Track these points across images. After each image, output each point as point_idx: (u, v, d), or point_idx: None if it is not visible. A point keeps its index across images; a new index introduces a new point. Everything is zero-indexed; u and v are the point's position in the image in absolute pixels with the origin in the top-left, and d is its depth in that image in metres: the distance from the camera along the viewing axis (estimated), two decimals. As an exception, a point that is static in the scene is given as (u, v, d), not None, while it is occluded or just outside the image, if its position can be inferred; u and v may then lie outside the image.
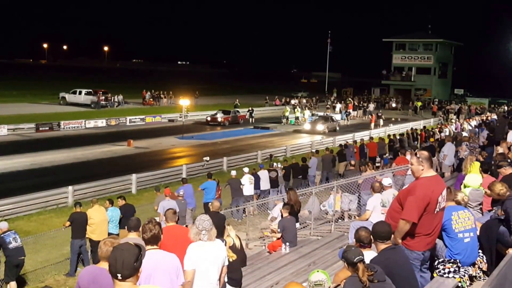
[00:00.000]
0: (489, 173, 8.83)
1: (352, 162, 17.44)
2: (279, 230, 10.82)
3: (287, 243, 10.62)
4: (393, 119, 48.76)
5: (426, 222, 4.98)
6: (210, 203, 14.28)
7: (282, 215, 11.24)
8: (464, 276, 5.32)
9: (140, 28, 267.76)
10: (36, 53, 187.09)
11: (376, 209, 9.07)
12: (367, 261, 4.37)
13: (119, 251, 3.22)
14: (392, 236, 4.97)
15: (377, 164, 20.86)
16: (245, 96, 65.03)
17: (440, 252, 5.55)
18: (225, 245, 6.73)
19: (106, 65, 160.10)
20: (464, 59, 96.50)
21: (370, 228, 4.98)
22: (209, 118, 42.07)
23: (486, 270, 5.67)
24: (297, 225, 11.83)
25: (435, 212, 5.00)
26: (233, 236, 9.49)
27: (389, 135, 28.48)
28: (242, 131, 39.21)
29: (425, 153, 5.15)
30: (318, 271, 4.35)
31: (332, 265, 8.52)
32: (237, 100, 52.25)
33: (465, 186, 8.97)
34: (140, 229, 6.56)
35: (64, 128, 35.61)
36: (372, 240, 4.87)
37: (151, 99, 55.54)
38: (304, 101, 60.55)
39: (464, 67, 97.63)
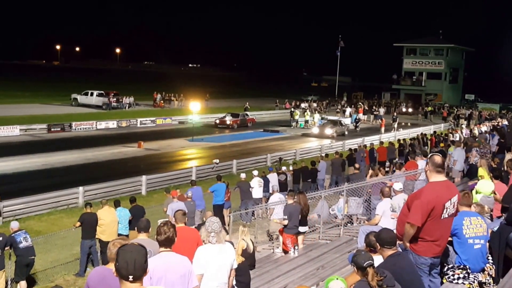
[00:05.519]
0: (499, 179, 8.77)
1: (357, 166, 17.31)
2: (285, 216, 10.79)
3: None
4: (403, 123, 48.52)
5: (431, 227, 4.93)
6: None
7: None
8: (474, 282, 5.29)
9: (151, 31, 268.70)
10: (49, 55, 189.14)
11: (386, 214, 9.05)
12: (376, 265, 4.36)
13: (129, 253, 3.10)
14: (401, 241, 4.96)
15: (386, 169, 20.80)
16: (255, 99, 65.07)
17: (450, 258, 5.52)
18: (235, 247, 6.74)
19: (117, 67, 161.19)
20: (475, 65, 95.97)
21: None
22: (218, 121, 42.23)
23: (495, 276, 5.63)
24: (306, 228, 11.82)
25: (442, 218, 4.94)
26: (248, 239, 9.50)
27: (399, 140, 28.43)
28: (251, 134, 39.25)
29: (435, 157, 5.10)
30: (337, 279, 4.19)
31: (341, 269, 8.50)
32: (247, 103, 52.29)
33: (477, 192, 8.93)
34: (149, 229, 6.63)
35: (75, 129, 35.92)
36: (378, 247, 4.87)
37: (162, 101, 55.77)
38: (315, 104, 60.37)
39: (475, 72, 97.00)
